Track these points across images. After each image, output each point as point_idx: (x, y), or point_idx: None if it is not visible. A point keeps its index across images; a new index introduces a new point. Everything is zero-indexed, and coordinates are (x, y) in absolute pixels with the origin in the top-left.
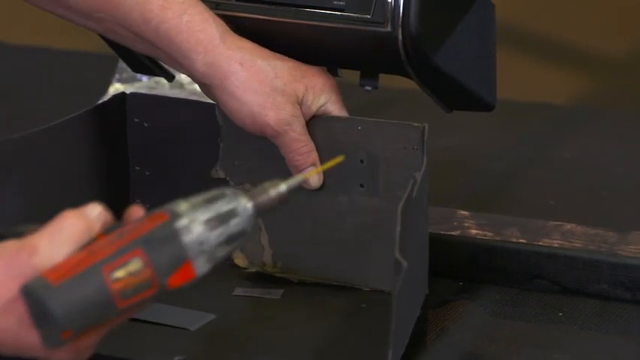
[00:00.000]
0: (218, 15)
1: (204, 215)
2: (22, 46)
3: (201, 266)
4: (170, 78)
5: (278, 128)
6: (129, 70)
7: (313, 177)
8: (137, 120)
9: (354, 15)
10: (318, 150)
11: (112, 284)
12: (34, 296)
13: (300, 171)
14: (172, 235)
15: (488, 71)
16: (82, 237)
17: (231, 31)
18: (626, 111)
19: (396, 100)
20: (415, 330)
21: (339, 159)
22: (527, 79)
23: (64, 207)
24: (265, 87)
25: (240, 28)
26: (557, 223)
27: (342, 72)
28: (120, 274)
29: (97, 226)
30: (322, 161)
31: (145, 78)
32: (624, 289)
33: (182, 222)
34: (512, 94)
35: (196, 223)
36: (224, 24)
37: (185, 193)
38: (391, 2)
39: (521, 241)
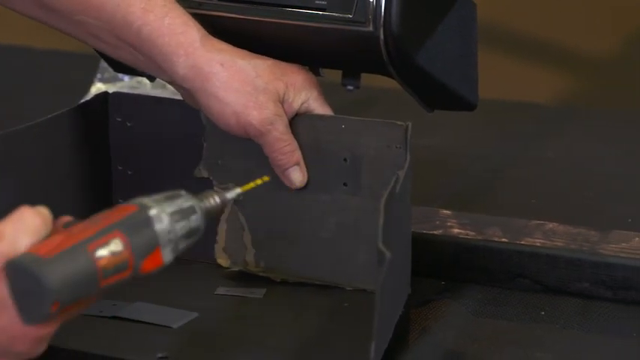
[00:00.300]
0: (200, 15)
1: (169, 208)
2: (4, 46)
3: (167, 255)
4: (152, 78)
5: (261, 128)
6: (111, 69)
7: (297, 176)
8: (119, 119)
9: (336, 14)
10: (301, 148)
11: (97, 261)
12: (24, 269)
13: (283, 170)
14: (147, 222)
15: (469, 70)
16: (41, 230)
17: (210, 35)
18: (610, 111)
19: (378, 100)
20: (397, 329)
21: (265, 178)
22: (509, 78)
23: (46, 205)
24: (247, 86)
25: (222, 28)
26: (539, 222)
27: (324, 71)
28: (103, 252)
29: (50, 224)
30: (306, 159)
31: (126, 78)
32: (606, 288)
33: (153, 211)
34: (495, 93)
35: (165, 214)
36: (202, 28)
37: None
38: (373, 2)
39: (503, 240)
